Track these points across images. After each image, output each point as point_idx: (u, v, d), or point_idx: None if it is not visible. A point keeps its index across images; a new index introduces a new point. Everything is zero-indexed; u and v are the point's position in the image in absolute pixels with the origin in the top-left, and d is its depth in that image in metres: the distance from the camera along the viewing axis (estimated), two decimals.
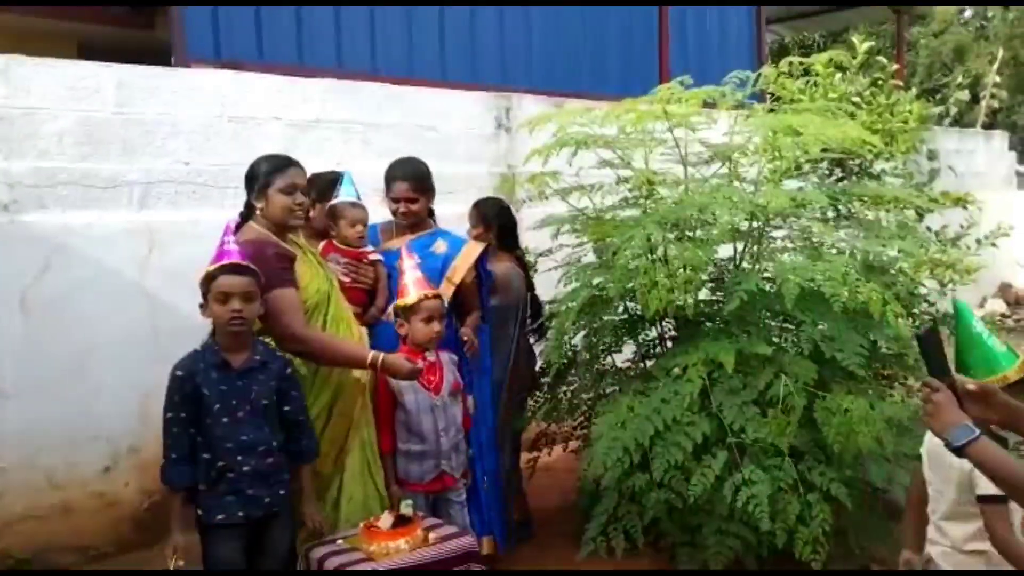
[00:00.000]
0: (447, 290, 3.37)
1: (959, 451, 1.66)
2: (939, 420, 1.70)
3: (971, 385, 1.76)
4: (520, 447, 3.99)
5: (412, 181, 3.36)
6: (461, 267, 3.40)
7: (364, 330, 3.07)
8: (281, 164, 2.81)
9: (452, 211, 3.70)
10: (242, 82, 4.38)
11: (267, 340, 2.72)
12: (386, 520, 2.60)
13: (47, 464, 3.73)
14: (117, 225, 3.93)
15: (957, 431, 1.66)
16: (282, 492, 2.60)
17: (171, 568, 2.46)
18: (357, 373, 2.91)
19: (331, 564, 2.51)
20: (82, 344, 3.80)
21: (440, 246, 3.44)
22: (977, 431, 1.66)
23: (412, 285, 3.02)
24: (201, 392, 2.49)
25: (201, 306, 2.57)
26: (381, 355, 2.79)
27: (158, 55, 4.77)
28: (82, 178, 3.85)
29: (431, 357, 3.06)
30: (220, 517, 2.50)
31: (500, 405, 3.66)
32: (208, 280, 2.53)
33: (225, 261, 2.53)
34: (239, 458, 2.50)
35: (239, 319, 2.50)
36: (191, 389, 2.49)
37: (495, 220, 3.83)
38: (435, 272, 3.36)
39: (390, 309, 3.12)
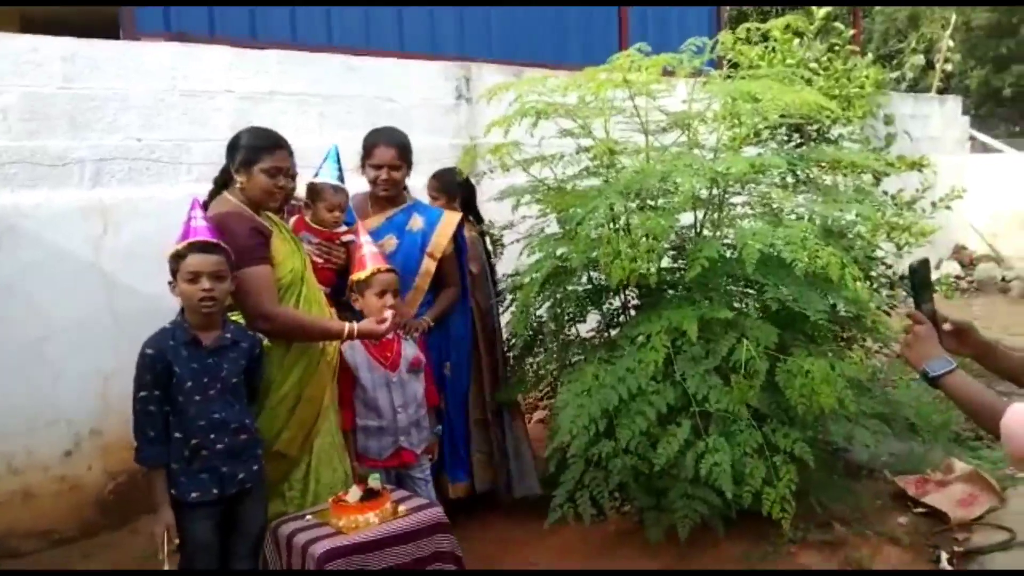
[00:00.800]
0: (430, 265, 3.36)
1: (934, 381, 1.71)
2: (916, 351, 1.75)
3: (947, 325, 1.81)
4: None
5: (397, 148, 3.36)
6: (440, 241, 3.40)
7: (334, 312, 3.04)
8: (269, 144, 2.75)
9: (412, 184, 3.66)
10: (193, 54, 4.26)
11: (235, 317, 2.69)
12: (354, 494, 2.60)
13: (6, 450, 3.65)
14: (69, 204, 3.83)
15: (934, 363, 1.71)
16: (255, 468, 2.59)
17: (166, 548, 2.42)
18: (329, 356, 2.89)
19: (299, 540, 2.51)
20: (38, 328, 3.71)
21: (416, 222, 3.43)
22: (953, 363, 1.71)
23: (368, 258, 3.01)
24: (172, 369, 2.45)
25: (170, 284, 2.53)
26: (355, 324, 2.81)
27: (105, 29, 4.62)
28: (29, 156, 3.74)
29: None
30: (195, 495, 2.47)
31: (499, 374, 3.76)
32: (177, 258, 2.48)
33: (193, 239, 2.49)
34: (212, 436, 2.48)
35: (209, 299, 2.47)
36: (162, 367, 2.44)
37: (457, 190, 3.81)
38: (415, 248, 3.36)
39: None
